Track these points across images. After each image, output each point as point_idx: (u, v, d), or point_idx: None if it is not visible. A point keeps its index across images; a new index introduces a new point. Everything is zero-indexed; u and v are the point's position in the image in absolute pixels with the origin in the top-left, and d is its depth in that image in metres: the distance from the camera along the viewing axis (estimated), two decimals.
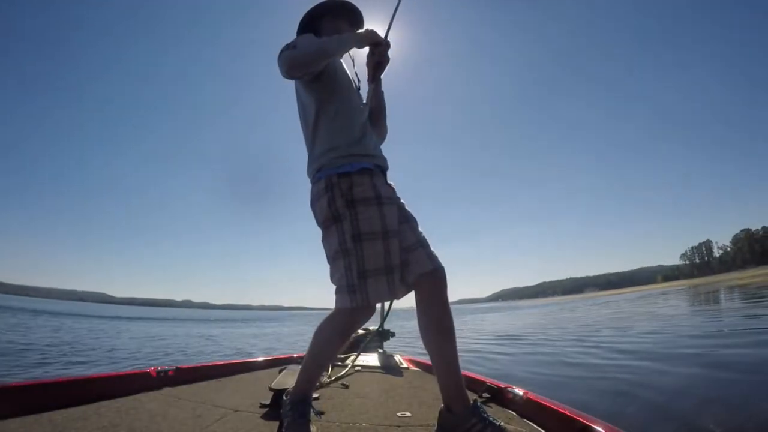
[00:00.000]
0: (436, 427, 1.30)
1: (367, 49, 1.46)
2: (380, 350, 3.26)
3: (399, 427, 1.47)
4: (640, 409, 2.73)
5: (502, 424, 1.21)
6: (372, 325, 3.18)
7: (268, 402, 1.67)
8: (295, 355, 3.02)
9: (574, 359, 4.95)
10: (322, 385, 2.12)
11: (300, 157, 1.44)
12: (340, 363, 2.82)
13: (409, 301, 1.38)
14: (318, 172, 1.35)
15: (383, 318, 3.07)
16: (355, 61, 1.54)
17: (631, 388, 3.19)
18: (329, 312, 1.37)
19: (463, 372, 1.32)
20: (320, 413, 1.49)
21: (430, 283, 1.30)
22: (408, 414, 1.62)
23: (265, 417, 1.56)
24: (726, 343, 5.10)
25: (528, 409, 1.59)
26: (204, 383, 2.19)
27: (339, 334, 1.37)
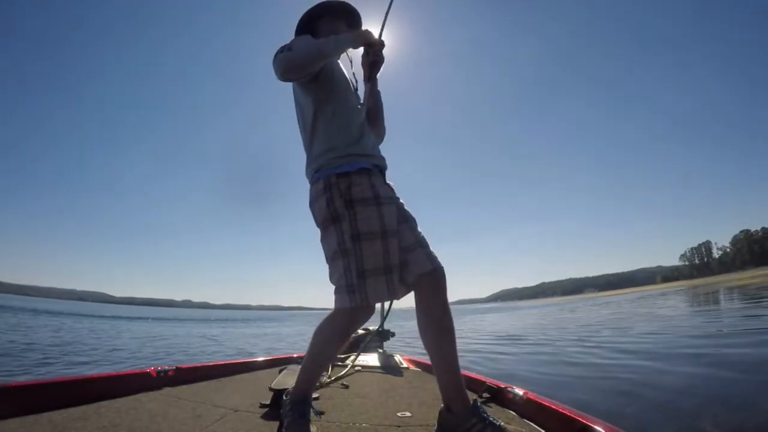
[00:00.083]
0: (436, 427, 1.30)
1: (362, 50, 1.46)
2: (380, 350, 3.26)
3: (399, 427, 1.47)
4: (641, 409, 2.73)
5: (502, 424, 1.21)
6: (372, 325, 3.18)
7: (268, 402, 1.67)
8: (295, 355, 3.02)
9: (575, 359, 4.96)
10: (322, 385, 2.12)
11: (299, 157, 1.44)
12: (340, 363, 2.83)
13: (408, 301, 1.38)
14: (316, 172, 1.35)
15: (383, 318, 3.07)
16: (352, 62, 1.54)
17: (632, 388, 3.19)
18: (329, 312, 1.37)
19: (463, 372, 1.32)
20: (320, 413, 1.50)
21: (430, 283, 1.30)
22: (408, 414, 1.62)
23: (265, 417, 1.56)
24: (726, 343, 5.11)
25: (528, 409, 1.59)
26: (204, 383, 2.20)
27: (339, 334, 1.37)
